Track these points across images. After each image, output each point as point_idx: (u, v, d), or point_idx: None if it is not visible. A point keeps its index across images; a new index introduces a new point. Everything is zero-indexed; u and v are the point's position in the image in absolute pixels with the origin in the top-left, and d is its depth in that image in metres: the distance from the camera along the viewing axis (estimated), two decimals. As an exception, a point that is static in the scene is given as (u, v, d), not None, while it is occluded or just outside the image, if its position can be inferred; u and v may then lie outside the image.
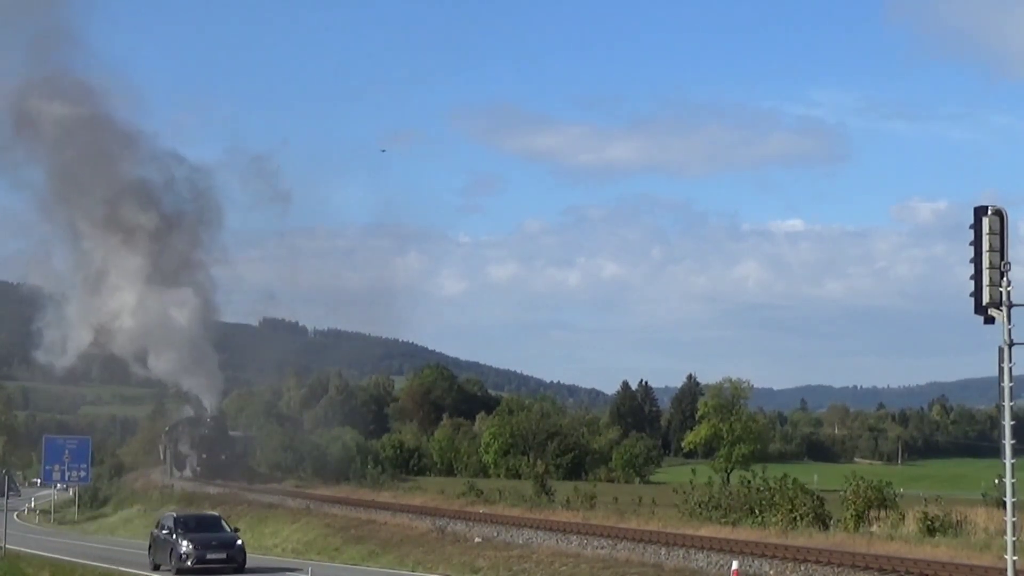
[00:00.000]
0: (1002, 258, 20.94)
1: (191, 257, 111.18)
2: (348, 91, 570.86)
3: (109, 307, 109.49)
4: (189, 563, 37.95)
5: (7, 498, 50.77)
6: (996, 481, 30.21)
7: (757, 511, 47.52)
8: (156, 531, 41.17)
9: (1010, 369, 20.89)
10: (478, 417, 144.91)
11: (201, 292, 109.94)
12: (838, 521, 46.57)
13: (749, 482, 51.99)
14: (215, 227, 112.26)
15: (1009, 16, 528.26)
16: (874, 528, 44.92)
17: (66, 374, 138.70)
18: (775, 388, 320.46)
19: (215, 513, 46.91)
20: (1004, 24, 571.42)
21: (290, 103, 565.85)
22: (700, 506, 51.86)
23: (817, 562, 32.74)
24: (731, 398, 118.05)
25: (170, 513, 44.54)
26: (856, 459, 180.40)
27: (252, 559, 41.79)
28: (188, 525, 40.07)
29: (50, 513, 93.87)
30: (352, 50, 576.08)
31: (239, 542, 39.57)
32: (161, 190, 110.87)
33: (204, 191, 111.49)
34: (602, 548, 40.48)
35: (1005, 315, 20.82)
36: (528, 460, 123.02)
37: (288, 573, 38.59)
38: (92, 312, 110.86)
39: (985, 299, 20.86)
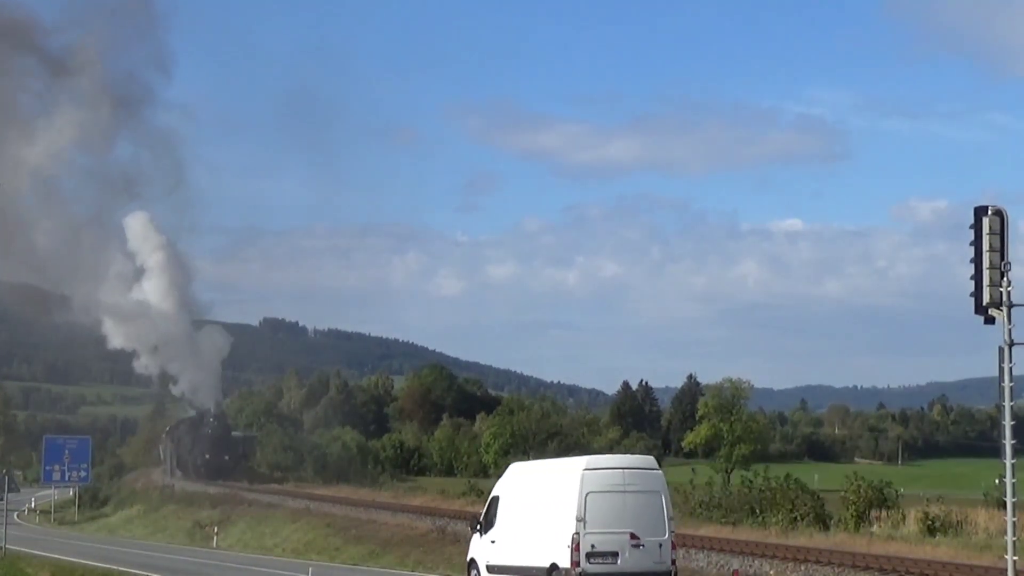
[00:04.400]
0: (1002, 258, 20.95)
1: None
2: (346, 90, 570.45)
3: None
4: None
5: (6, 498, 50.82)
6: (996, 481, 30.27)
7: (758, 511, 47.56)
8: None
9: (1010, 369, 20.89)
10: (478, 417, 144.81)
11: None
12: (839, 521, 46.59)
13: (750, 482, 52.00)
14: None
15: (1008, 13, 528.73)
16: (874, 528, 44.94)
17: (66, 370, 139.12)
18: (775, 388, 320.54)
19: None
20: (1003, 21, 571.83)
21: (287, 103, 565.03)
22: (701, 506, 51.90)
23: (817, 562, 32.76)
24: (731, 398, 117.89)
25: None
26: (856, 459, 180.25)
27: (252, 559, 41.80)
28: None
29: (50, 513, 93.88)
30: (350, 49, 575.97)
31: None
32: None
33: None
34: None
35: (1005, 315, 20.83)
36: (528, 460, 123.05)
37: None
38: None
39: (985, 299, 20.86)
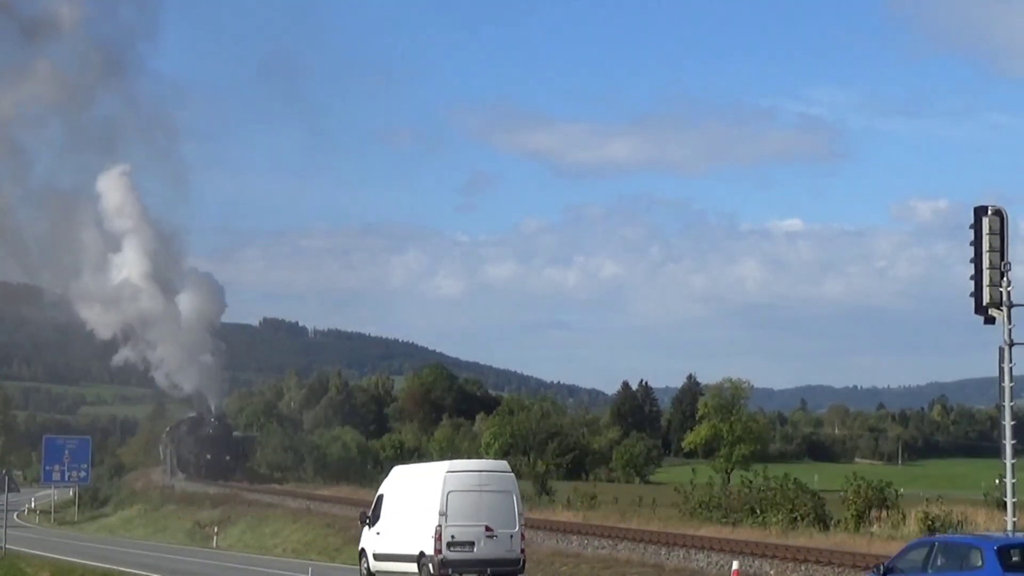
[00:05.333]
0: (1002, 258, 20.98)
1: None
2: (346, 90, 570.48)
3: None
4: None
5: (6, 498, 50.83)
6: (996, 481, 30.28)
7: (758, 511, 47.53)
8: None
9: (1010, 369, 20.92)
10: (478, 417, 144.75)
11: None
12: (839, 521, 46.58)
13: (750, 482, 51.97)
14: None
15: (1008, 12, 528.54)
16: (875, 528, 44.92)
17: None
18: (775, 388, 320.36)
19: None
20: (1004, 21, 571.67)
21: (287, 102, 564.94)
22: (700, 506, 51.86)
23: (817, 562, 32.75)
24: (731, 398, 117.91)
25: None
26: (856, 459, 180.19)
27: (252, 559, 41.82)
28: None
29: (50, 513, 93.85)
30: (348, 48, 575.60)
31: None
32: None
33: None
34: (603, 548, 40.50)
35: (1005, 315, 20.85)
36: (528, 460, 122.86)
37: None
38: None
39: (985, 299, 20.90)
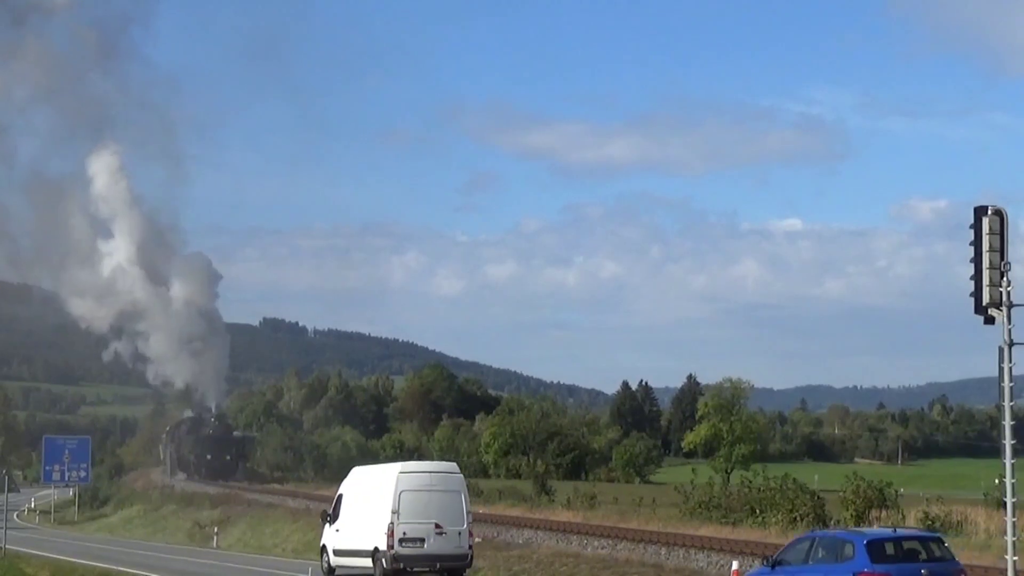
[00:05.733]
0: (1002, 258, 20.96)
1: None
2: (346, 90, 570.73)
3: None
4: None
5: (6, 498, 50.81)
6: (996, 481, 30.27)
7: (757, 511, 47.53)
8: None
9: (1010, 369, 20.90)
10: (478, 417, 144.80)
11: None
12: (838, 521, 46.57)
13: (750, 482, 51.97)
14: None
15: (1009, 12, 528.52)
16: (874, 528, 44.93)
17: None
18: (775, 388, 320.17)
19: None
20: (1004, 20, 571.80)
21: (287, 101, 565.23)
22: (700, 506, 51.86)
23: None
24: (731, 398, 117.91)
25: None
26: (856, 459, 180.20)
27: (252, 559, 41.81)
28: None
29: (50, 513, 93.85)
30: (348, 48, 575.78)
31: None
32: None
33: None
34: (602, 548, 40.49)
35: (1005, 315, 20.84)
36: (528, 460, 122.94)
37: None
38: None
39: (985, 299, 20.88)
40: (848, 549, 21.42)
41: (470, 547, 30.71)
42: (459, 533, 30.36)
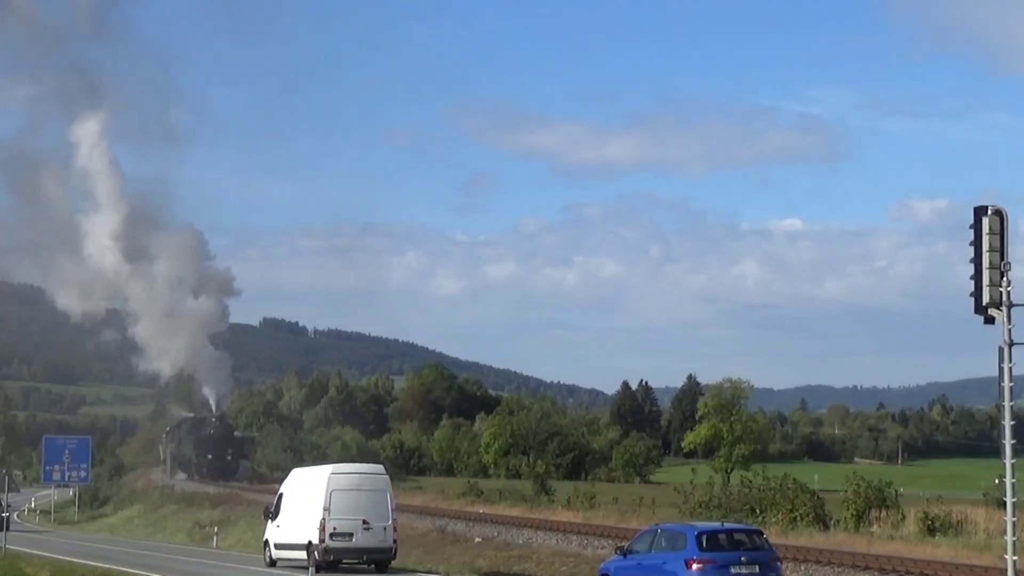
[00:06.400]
0: (1002, 258, 20.96)
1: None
2: (345, 90, 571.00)
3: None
4: None
5: (6, 498, 50.77)
6: (996, 481, 30.24)
7: (757, 511, 47.50)
8: None
9: (1010, 369, 20.90)
10: (478, 417, 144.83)
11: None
12: (838, 521, 46.59)
13: (750, 482, 51.95)
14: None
15: (1009, 12, 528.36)
16: (874, 528, 44.92)
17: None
18: (775, 388, 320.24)
19: None
20: (1004, 20, 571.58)
21: (285, 101, 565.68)
22: (700, 506, 51.78)
23: (817, 562, 32.73)
24: (731, 398, 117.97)
25: None
26: (856, 459, 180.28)
27: (252, 559, 41.81)
28: None
29: (50, 513, 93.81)
30: (347, 47, 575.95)
31: None
32: None
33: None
34: (602, 548, 40.45)
35: (1005, 315, 20.84)
36: (528, 460, 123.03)
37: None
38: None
39: (985, 299, 20.88)
40: (682, 540, 24.88)
41: (394, 541, 34.10)
42: (384, 528, 33.66)
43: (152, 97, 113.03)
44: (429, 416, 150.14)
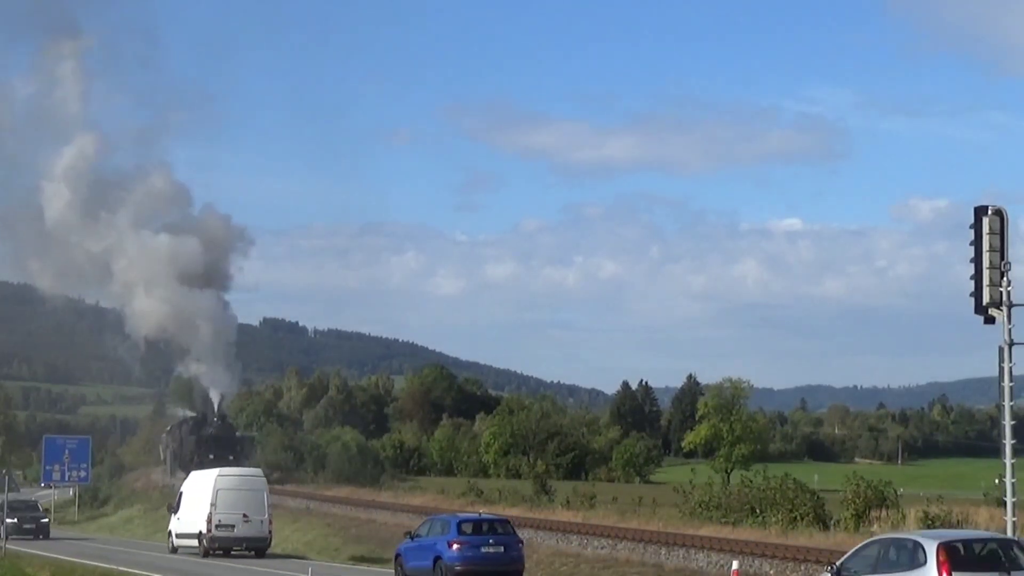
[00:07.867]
0: (1002, 258, 20.98)
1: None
2: (345, 89, 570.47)
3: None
4: None
5: (6, 498, 50.78)
6: (996, 481, 30.25)
7: (757, 511, 47.55)
8: None
9: (1010, 369, 20.92)
10: (478, 417, 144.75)
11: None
12: (838, 521, 46.62)
13: (750, 482, 51.98)
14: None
15: (1009, 12, 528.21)
16: (875, 528, 44.94)
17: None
18: (775, 388, 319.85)
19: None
20: (1004, 20, 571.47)
21: (285, 101, 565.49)
22: (700, 506, 51.86)
23: (817, 562, 32.70)
24: (731, 398, 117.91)
25: None
26: (856, 459, 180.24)
27: (251, 559, 41.94)
28: None
29: (50, 513, 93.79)
30: (347, 47, 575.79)
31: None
32: None
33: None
34: (602, 548, 40.50)
35: (1005, 315, 20.86)
36: (528, 460, 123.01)
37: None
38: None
39: (985, 299, 20.90)
40: (448, 526, 31.53)
41: (270, 532, 43.39)
42: (261, 521, 42.73)
43: (152, 97, 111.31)
44: (429, 416, 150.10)
